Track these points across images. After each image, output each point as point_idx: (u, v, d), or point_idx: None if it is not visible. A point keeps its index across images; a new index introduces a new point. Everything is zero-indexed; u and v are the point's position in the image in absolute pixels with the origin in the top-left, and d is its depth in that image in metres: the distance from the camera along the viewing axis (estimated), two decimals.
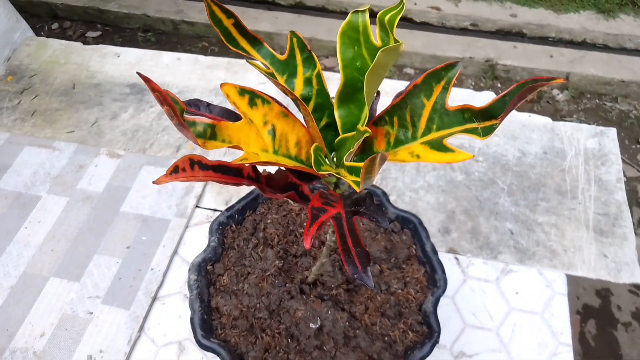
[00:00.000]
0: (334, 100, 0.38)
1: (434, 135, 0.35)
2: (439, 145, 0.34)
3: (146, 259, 0.89)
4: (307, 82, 0.38)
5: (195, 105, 0.39)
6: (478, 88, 2.03)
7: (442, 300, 0.85)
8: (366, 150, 0.40)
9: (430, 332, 0.58)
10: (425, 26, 2.16)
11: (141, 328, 0.82)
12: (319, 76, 0.38)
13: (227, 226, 0.69)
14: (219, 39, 2.31)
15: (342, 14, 2.20)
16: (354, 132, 0.34)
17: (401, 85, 1.19)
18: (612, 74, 1.89)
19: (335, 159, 0.38)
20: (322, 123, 0.39)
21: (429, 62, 2.00)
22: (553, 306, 0.84)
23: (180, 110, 0.31)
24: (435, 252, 0.64)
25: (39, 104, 1.15)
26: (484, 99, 1.13)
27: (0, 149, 1.06)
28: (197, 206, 0.97)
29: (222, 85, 0.34)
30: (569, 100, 1.93)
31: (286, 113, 0.37)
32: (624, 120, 1.89)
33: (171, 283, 0.87)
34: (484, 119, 0.33)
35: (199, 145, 0.32)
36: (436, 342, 0.58)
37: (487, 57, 1.91)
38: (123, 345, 0.79)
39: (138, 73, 0.28)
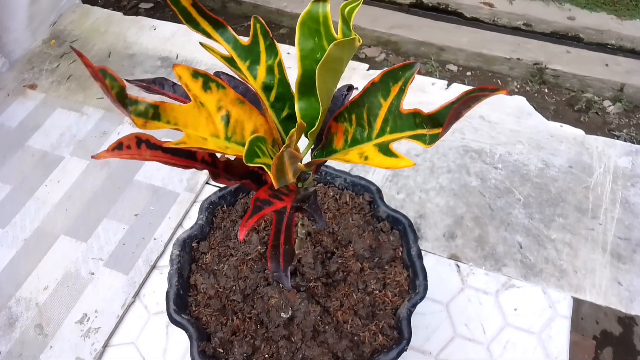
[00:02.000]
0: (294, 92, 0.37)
1: (387, 137, 0.34)
2: (385, 149, 0.32)
3: (151, 229, 0.92)
4: (270, 70, 0.37)
5: (160, 83, 0.39)
6: (523, 92, 1.93)
7: (434, 306, 0.83)
8: (326, 146, 0.39)
9: (400, 337, 0.57)
10: (475, 22, 2.07)
11: (136, 294, 0.84)
12: (280, 65, 0.37)
13: (218, 206, 0.70)
14: (265, 19, 2.32)
15: (390, 3, 2.15)
16: (314, 127, 0.33)
17: (428, 82, 1.15)
18: None
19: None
20: (284, 114, 0.39)
21: (474, 60, 1.92)
22: (552, 328, 0.80)
23: (119, 88, 0.31)
24: (420, 257, 0.63)
25: (75, 69, 1.20)
26: (512, 103, 1.08)
27: (35, 109, 1.12)
28: (207, 183, 0.99)
29: (174, 66, 0.34)
30: (621, 113, 1.81)
31: (242, 100, 0.36)
32: None
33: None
34: (432, 126, 0.31)
35: (138, 125, 0.32)
36: (404, 349, 0.56)
37: (536, 60, 1.81)
38: (117, 308, 0.82)
39: (71, 47, 0.28)
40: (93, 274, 0.86)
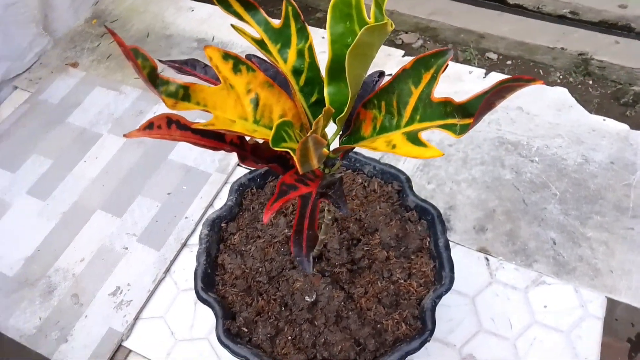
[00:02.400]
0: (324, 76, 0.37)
1: (416, 126, 0.33)
2: (413, 138, 0.32)
3: (183, 207, 0.94)
4: (300, 54, 0.37)
5: (192, 65, 0.40)
6: (566, 83, 1.86)
7: (460, 299, 0.82)
8: (354, 132, 0.39)
9: (423, 328, 0.57)
10: (519, 9, 2.00)
11: (167, 270, 0.87)
12: (310, 49, 0.37)
13: (247, 188, 0.70)
14: (301, 3, 2.31)
15: None
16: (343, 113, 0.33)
17: (465, 70, 1.12)
18: None
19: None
20: (313, 99, 0.38)
21: (515, 49, 1.85)
22: (583, 328, 0.78)
23: (150, 68, 0.31)
24: (448, 248, 0.62)
25: (115, 49, 1.23)
26: (553, 95, 1.04)
27: (75, 87, 1.16)
28: (238, 164, 1.00)
29: (205, 47, 0.34)
30: None
31: (271, 83, 0.36)
32: None
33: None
34: (463, 116, 0.30)
35: (168, 106, 0.33)
36: (427, 340, 0.56)
37: (582, 51, 1.73)
38: (148, 283, 0.85)
39: (105, 26, 0.29)
40: (127, 248, 0.89)
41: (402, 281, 0.61)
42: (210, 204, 0.95)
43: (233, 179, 0.97)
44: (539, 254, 0.85)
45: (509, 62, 1.92)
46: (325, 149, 0.28)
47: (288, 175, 0.36)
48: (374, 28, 0.30)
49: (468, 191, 0.92)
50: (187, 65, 0.39)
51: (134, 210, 0.94)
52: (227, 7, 0.36)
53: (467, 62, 1.61)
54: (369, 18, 0.33)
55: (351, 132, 0.38)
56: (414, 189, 0.68)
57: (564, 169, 0.93)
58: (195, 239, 0.90)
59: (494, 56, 1.92)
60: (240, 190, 0.69)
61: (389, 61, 1.18)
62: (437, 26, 1.89)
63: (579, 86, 1.87)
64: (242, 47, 1.19)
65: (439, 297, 0.58)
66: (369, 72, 0.40)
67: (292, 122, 0.32)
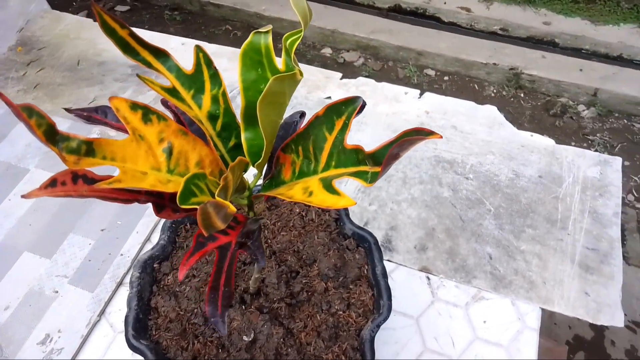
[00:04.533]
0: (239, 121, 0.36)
1: (331, 172, 0.33)
2: (327, 185, 0.31)
3: (118, 244, 0.90)
4: (215, 99, 0.36)
5: (103, 112, 0.38)
6: (500, 97, 1.95)
7: (405, 321, 0.82)
8: (275, 176, 0.38)
9: None
10: (453, 27, 2.08)
11: (102, 312, 0.82)
12: (224, 95, 0.36)
13: (181, 224, 0.68)
14: (244, 23, 2.30)
15: (369, 7, 2.15)
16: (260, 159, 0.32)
17: (401, 91, 1.15)
18: None
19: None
20: (231, 143, 0.38)
21: (452, 65, 1.93)
22: (520, 341, 0.80)
23: (47, 126, 0.30)
24: (385, 275, 0.62)
25: (44, 77, 1.18)
26: (484, 113, 1.08)
27: (0, 119, 1.09)
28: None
29: (110, 99, 0.32)
30: (595, 118, 1.83)
31: (185, 131, 0.35)
32: None
33: None
34: (374, 164, 0.30)
35: (69, 164, 0.31)
36: None
37: (513, 65, 1.82)
38: (81, 328, 0.80)
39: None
40: (57, 292, 0.84)
41: (341, 312, 0.61)
42: (148, 238, 0.91)
43: None
44: (477, 270, 0.87)
45: (446, 78, 1.98)
46: (230, 207, 0.27)
47: None
48: (283, 77, 0.30)
49: (409, 211, 0.94)
50: (97, 113, 0.37)
51: (64, 250, 0.89)
52: (135, 56, 0.35)
53: (407, 78, 1.64)
54: (280, 65, 0.33)
55: (273, 175, 0.38)
56: (356, 211, 0.68)
57: (497, 184, 0.97)
58: None
59: (432, 72, 1.98)
60: (173, 227, 0.67)
61: (329, 83, 1.19)
62: (378, 44, 1.93)
63: (512, 99, 1.97)
64: None
65: (377, 326, 0.58)
66: (294, 110, 0.40)
67: (204, 173, 0.31)
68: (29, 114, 0.28)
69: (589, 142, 1.89)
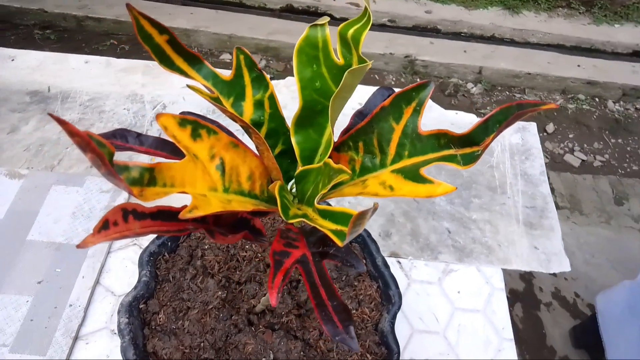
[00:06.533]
0: (290, 125, 0.33)
1: (405, 162, 0.32)
2: (414, 175, 0.31)
3: (63, 294, 0.78)
4: (258, 105, 0.33)
5: (122, 136, 0.33)
6: (400, 84, 2.06)
7: None
8: None
9: (389, 352, 0.56)
10: (338, 21, 2.16)
11: None
12: (271, 98, 0.33)
13: (159, 256, 0.62)
14: (130, 36, 2.14)
15: (261, 9, 2.13)
16: (320, 164, 0.30)
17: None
18: (520, 67, 2.01)
19: (295, 192, 0.33)
20: (277, 150, 0.35)
21: None
22: (493, 303, 0.86)
23: (109, 155, 0.24)
24: (387, 266, 0.62)
25: None
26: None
27: None
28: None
29: (158, 116, 0.28)
30: (483, 93, 2.03)
31: (236, 143, 0.32)
32: None
33: (95, 318, 0.77)
34: (463, 146, 0.30)
35: (135, 195, 0.26)
36: None
37: (407, 53, 1.94)
38: None
39: (50, 114, 0.22)
40: None
41: (354, 311, 0.60)
42: (97, 281, 0.81)
43: (117, 245, 0.85)
44: (440, 245, 0.91)
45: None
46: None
47: (276, 242, 0.31)
48: (357, 70, 0.28)
49: (366, 201, 0.95)
50: (115, 139, 0.32)
51: None
52: (170, 65, 0.30)
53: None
54: (338, 58, 0.31)
55: None
56: None
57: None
58: (89, 328, 0.76)
59: None
60: (152, 260, 0.60)
61: None
62: (278, 45, 1.92)
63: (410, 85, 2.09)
64: (89, 93, 1.04)
65: (394, 316, 0.58)
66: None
67: (284, 185, 0.28)
68: (97, 143, 0.23)
69: (482, 115, 2.07)
